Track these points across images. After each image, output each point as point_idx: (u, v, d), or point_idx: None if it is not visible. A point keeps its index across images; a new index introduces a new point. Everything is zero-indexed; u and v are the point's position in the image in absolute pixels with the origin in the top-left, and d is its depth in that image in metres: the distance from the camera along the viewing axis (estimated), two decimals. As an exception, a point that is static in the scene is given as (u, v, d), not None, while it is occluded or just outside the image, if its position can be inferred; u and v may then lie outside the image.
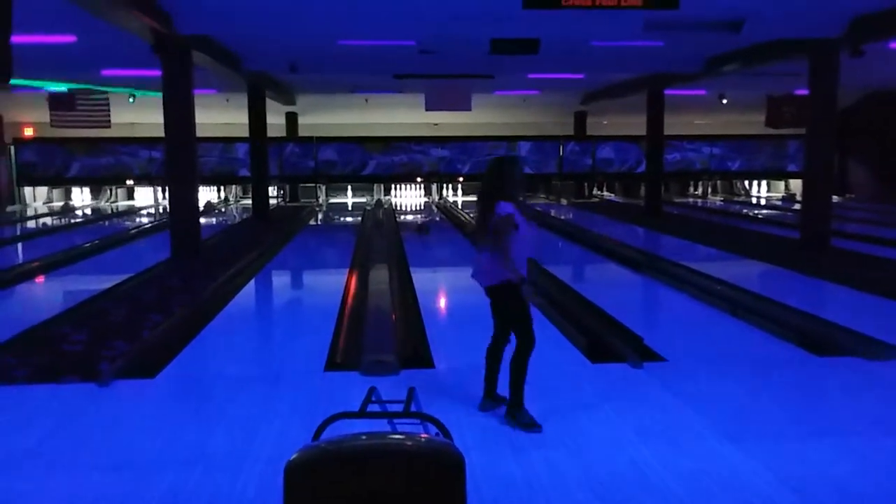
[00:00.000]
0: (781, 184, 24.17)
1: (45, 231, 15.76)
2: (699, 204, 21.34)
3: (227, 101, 17.57)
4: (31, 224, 17.04)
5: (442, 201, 21.66)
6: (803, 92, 14.26)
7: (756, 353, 5.86)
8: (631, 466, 3.66)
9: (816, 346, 5.83)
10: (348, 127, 21.50)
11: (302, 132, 21.42)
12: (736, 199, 23.12)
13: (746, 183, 24.28)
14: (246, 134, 16.59)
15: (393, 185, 22.65)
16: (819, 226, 11.11)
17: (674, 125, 18.30)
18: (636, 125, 18.67)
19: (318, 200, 22.04)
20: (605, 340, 5.92)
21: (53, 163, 20.28)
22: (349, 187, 23.02)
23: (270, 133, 17.04)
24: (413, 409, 3.04)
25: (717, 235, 13.07)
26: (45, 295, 9.20)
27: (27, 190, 21.06)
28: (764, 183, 24.40)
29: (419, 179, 21.85)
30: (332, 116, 21.30)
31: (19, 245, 13.87)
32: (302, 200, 21.76)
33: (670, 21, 8.99)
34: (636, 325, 6.49)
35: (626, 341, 5.86)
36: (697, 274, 8.84)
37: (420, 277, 9.06)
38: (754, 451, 3.81)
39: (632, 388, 4.87)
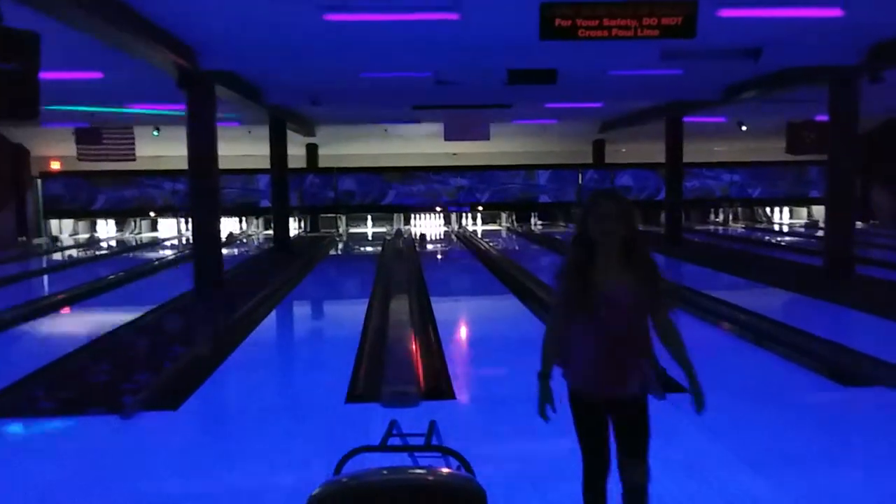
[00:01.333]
0: (804, 210, 23.98)
1: (70, 263, 16.00)
2: (720, 231, 21.21)
3: (249, 133, 17.84)
4: (56, 256, 17.30)
5: (461, 230, 21.71)
6: (824, 118, 14.20)
7: (781, 383, 5.78)
8: (656, 500, 3.60)
9: (842, 376, 5.73)
10: (368, 157, 21.71)
11: (322, 163, 21.66)
12: (757, 226, 22.95)
13: (768, 210, 24.13)
14: (267, 165, 16.82)
15: (412, 215, 22.79)
16: (843, 252, 10.99)
17: (693, 152, 18.28)
18: (655, 152, 18.68)
19: (338, 230, 22.19)
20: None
21: (79, 196, 20.64)
22: (369, 217, 23.18)
23: (291, 164, 17.25)
24: (434, 442, 3.04)
25: (739, 263, 12.96)
26: (70, 327, 9.31)
27: (53, 222, 21.42)
28: (786, 209, 24.23)
29: (438, 209, 21.95)
30: (351, 147, 21.52)
31: (45, 277, 14.07)
32: (322, 230, 21.92)
33: (687, 50, 9.04)
34: (658, 355, 6.41)
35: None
36: (720, 302, 8.76)
37: (440, 307, 9.06)
38: (782, 484, 3.74)
39: (655, 419, 4.79)
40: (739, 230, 21.53)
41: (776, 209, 24.13)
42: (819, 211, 21.73)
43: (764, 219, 24.13)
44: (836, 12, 7.83)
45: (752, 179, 22.22)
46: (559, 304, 2.88)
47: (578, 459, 3.81)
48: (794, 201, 23.10)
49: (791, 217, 24.27)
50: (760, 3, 7.55)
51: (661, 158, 17.21)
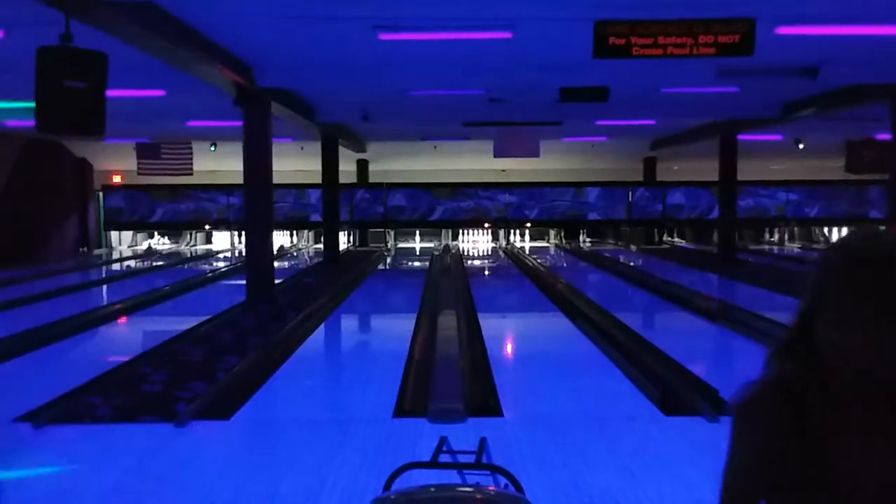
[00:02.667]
0: (863, 231, 23.26)
1: (128, 274, 16.48)
2: (776, 251, 20.70)
3: (302, 149, 18.17)
4: (115, 267, 17.84)
5: (509, 247, 21.67)
6: (885, 136, 13.79)
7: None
8: None
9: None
10: (417, 173, 21.89)
11: (372, 178, 21.92)
12: (815, 246, 22.34)
13: (825, 229, 23.49)
14: (319, 180, 17.09)
15: (460, 231, 22.86)
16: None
17: (747, 170, 17.91)
18: (708, 170, 18.36)
19: (386, 245, 22.37)
20: (679, 392, 5.77)
21: (138, 208, 21.28)
22: (417, 232, 23.32)
23: (342, 179, 17.51)
24: (484, 459, 3.03)
25: (797, 284, 12.57)
26: (127, 336, 9.59)
27: (113, 234, 22.11)
28: (844, 230, 23.53)
29: (486, 225, 21.97)
30: (401, 163, 21.74)
31: (104, 287, 14.52)
32: (371, 245, 22.14)
33: (744, 68, 8.90)
34: (711, 377, 6.30)
35: (700, 394, 5.69)
36: (776, 324, 8.52)
37: (488, 324, 9.05)
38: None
39: (708, 443, 4.70)
40: (795, 250, 20.98)
41: (834, 229, 23.47)
42: (880, 232, 21.02)
43: (821, 239, 23.48)
44: (899, 29, 7.63)
45: (808, 198, 21.68)
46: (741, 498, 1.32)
47: (626, 482, 3.73)
48: (852, 221, 22.40)
49: (850, 237, 23.55)
50: (820, 21, 7.39)
51: (715, 176, 16.90)
